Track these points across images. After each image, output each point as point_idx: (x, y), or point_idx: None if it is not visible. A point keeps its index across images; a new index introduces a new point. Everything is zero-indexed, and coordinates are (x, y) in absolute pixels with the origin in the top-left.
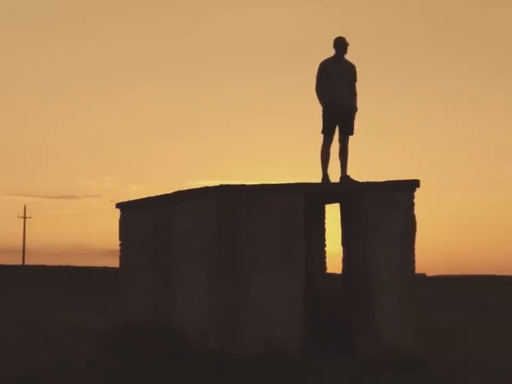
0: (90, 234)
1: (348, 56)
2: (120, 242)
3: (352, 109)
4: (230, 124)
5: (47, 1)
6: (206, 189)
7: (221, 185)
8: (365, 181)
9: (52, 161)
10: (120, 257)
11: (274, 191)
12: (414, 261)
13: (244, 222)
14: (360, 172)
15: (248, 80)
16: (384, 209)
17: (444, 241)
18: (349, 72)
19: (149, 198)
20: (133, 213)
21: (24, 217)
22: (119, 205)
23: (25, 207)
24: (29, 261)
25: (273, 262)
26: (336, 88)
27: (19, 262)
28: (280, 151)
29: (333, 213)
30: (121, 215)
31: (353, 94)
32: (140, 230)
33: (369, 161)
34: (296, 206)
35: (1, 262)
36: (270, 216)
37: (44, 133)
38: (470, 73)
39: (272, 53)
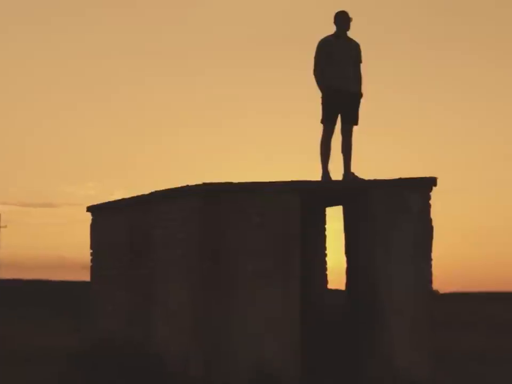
0: (71, 246)
1: (351, 34)
2: (91, 251)
3: (357, 95)
4: (220, 124)
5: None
6: (187, 188)
7: (204, 184)
8: (373, 178)
9: (29, 166)
10: (91, 269)
11: (266, 191)
12: (431, 274)
13: (230, 227)
14: (367, 168)
15: (236, 77)
16: (395, 212)
17: (459, 252)
18: (353, 52)
19: (123, 199)
20: (106, 218)
21: None
22: (90, 208)
23: None
24: (4, 275)
25: (265, 274)
26: (339, 70)
27: None
28: (272, 145)
29: (334, 224)
30: (92, 220)
31: (358, 77)
32: (114, 237)
33: (377, 156)
34: (291, 208)
35: None
36: (261, 220)
37: (20, 135)
38: (491, 68)
39: (264, 46)
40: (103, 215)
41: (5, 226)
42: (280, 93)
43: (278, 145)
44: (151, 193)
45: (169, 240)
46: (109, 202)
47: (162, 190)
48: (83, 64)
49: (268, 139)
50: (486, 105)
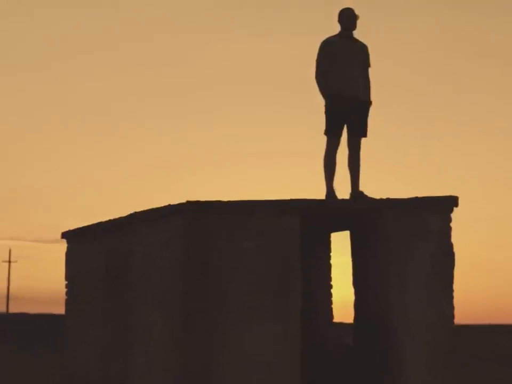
0: None
1: (357, 35)
2: (66, 282)
3: (366, 103)
4: (207, 134)
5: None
6: (169, 209)
7: (188, 203)
8: (385, 197)
9: (41, 203)
10: (66, 301)
11: (261, 211)
12: (452, 307)
13: (219, 252)
14: (378, 186)
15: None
16: (411, 236)
17: (475, 281)
18: (361, 54)
19: (100, 223)
20: (81, 244)
21: (9, 262)
22: (65, 235)
23: (10, 251)
24: (13, 309)
25: (260, 308)
26: (344, 74)
27: (3, 310)
28: (268, 159)
29: (340, 251)
30: (67, 248)
31: (367, 82)
32: (89, 265)
33: (390, 173)
34: (290, 231)
35: None
36: (255, 244)
37: (33, 173)
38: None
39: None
40: (79, 241)
41: (16, 261)
42: (278, 97)
43: (274, 159)
44: (130, 215)
45: (149, 268)
46: (85, 227)
47: (142, 211)
48: (80, 102)
49: (264, 152)
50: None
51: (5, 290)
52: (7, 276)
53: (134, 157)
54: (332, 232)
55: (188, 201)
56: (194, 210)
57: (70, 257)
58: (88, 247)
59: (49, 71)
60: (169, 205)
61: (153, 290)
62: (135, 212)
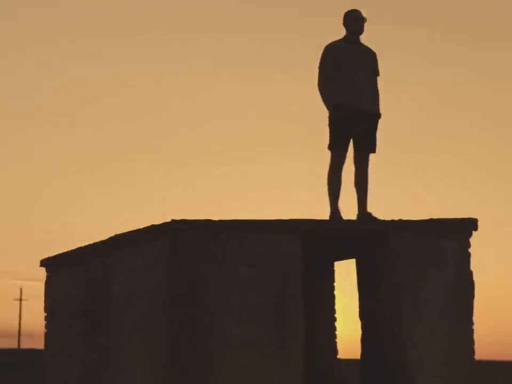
0: None
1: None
2: (45, 315)
3: (374, 114)
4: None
5: None
6: (152, 229)
7: (173, 222)
8: (395, 219)
9: (51, 244)
10: (46, 334)
11: (258, 231)
12: (472, 341)
13: (209, 278)
14: (387, 207)
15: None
16: (425, 263)
17: (498, 313)
18: (369, 61)
19: (80, 248)
20: (61, 272)
21: (21, 300)
22: (44, 263)
23: (21, 290)
24: (24, 344)
25: (257, 343)
26: (350, 82)
27: (15, 345)
28: (265, 176)
29: (344, 282)
30: (47, 277)
31: (375, 92)
32: (69, 295)
33: (402, 192)
34: (291, 254)
35: None
36: (251, 269)
37: (43, 212)
38: None
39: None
40: (58, 269)
41: (27, 300)
42: (278, 101)
43: (273, 175)
44: (110, 239)
45: (131, 297)
46: (64, 254)
47: (122, 234)
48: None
49: (261, 167)
50: None
51: (17, 327)
52: (18, 313)
53: (116, 173)
54: (335, 260)
55: (173, 220)
56: (181, 231)
57: (49, 287)
58: (67, 276)
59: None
60: (152, 225)
61: (136, 321)
62: (116, 235)
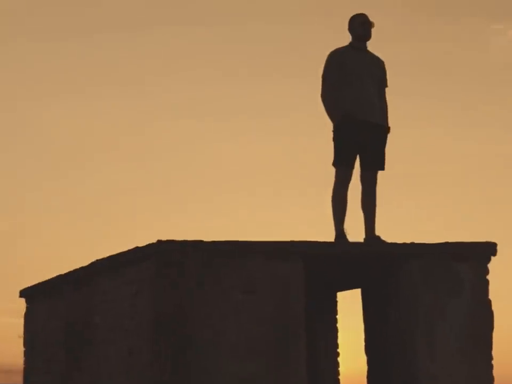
0: None
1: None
2: (24, 349)
3: (383, 128)
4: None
5: None
6: (136, 252)
7: (160, 243)
8: (407, 242)
9: (28, 271)
10: (24, 370)
11: (254, 255)
12: (491, 376)
13: (200, 307)
14: (399, 230)
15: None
16: (439, 291)
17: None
18: (377, 69)
19: (59, 276)
20: (41, 303)
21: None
22: (23, 293)
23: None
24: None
25: (254, 380)
26: (356, 93)
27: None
28: (263, 194)
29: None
30: (26, 308)
31: (383, 104)
32: (49, 328)
33: (413, 213)
34: (291, 280)
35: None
36: (246, 297)
37: (51, 248)
38: None
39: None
40: (38, 300)
41: None
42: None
43: (272, 192)
44: (91, 264)
45: (114, 329)
46: (44, 282)
47: (104, 259)
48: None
49: (259, 184)
50: None
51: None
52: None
53: (97, 192)
54: (339, 290)
55: (159, 241)
56: (168, 253)
57: (29, 319)
58: (47, 306)
59: None
60: (136, 247)
61: (119, 355)
62: (97, 260)
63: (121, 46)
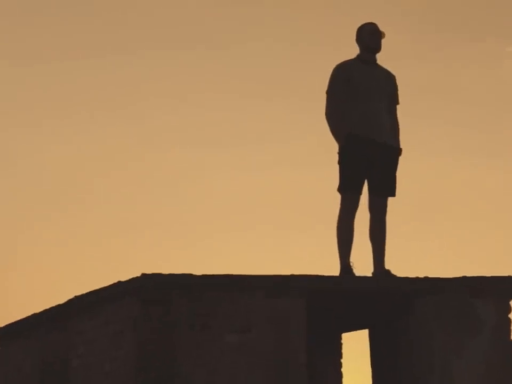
0: None
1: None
2: None
3: (394, 149)
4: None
5: None
6: (118, 288)
7: (144, 277)
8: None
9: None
10: None
11: (251, 289)
12: None
13: (189, 350)
14: (411, 264)
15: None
16: (457, 331)
17: None
18: (387, 85)
19: (34, 315)
20: (14, 345)
21: None
22: None
23: None
24: None
25: None
26: (365, 110)
27: None
28: (260, 222)
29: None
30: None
31: (394, 123)
32: (23, 372)
33: (427, 245)
34: (292, 319)
35: None
36: (241, 338)
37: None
38: None
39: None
40: (12, 341)
41: None
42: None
43: (271, 221)
44: (69, 302)
45: (92, 374)
46: (18, 322)
47: (83, 295)
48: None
49: (257, 213)
50: None
51: None
52: None
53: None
54: (344, 331)
55: (143, 275)
56: (154, 288)
57: (2, 361)
58: (22, 348)
59: None
60: (119, 282)
61: None
62: (75, 297)
63: (106, 71)
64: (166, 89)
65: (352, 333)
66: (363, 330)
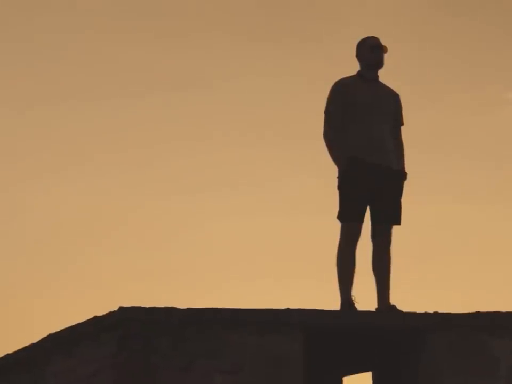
0: None
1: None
2: None
3: (398, 173)
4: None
5: None
6: (94, 323)
7: (122, 310)
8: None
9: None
10: None
11: (242, 325)
12: None
13: None
14: (419, 298)
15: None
16: (469, 372)
17: None
18: (390, 104)
19: (6, 356)
20: None
21: None
22: None
23: None
24: None
25: None
26: (365, 131)
27: None
28: (254, 255)
29: None
30: None
31: (398, 145)
32: None
33: (436, 277)
34: (290, 358)
35: None
36: (231, 379)
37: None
38: None
39: None
40: None
41: None
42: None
43: (264, 251)
44: (43, 340)
45: None
46: None
47: (58, 332)
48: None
49: (248, 240)
50: None
51: None
52: None
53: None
54: (345, 374)
55: (121, 308)
56: (133, 323)
57: None
58: None
59: None
60: (95, 317)
61: None
62: (50, 335)
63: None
64: (164, 137)
65: (354, 376)
66: (366, 373)
